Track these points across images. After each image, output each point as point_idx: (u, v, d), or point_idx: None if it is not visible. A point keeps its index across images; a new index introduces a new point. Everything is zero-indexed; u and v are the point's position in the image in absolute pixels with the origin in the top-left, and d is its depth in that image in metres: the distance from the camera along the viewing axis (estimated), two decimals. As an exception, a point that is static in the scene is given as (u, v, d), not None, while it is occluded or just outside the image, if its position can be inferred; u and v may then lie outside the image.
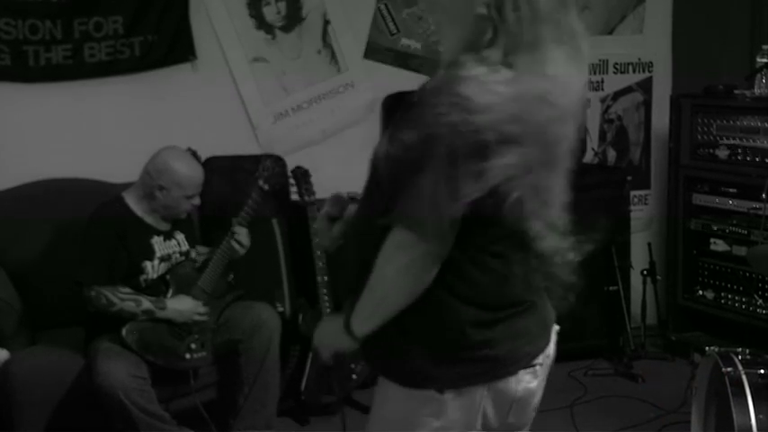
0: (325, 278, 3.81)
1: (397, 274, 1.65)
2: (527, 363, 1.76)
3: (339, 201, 1.94)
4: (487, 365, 1.71)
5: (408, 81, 4.31)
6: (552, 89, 1.62)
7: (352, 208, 1.91)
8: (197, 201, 3.49)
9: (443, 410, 1.71)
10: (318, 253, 3.80)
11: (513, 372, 1.74)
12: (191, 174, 3.43)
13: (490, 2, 1.63)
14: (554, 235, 1.73)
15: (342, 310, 1.79)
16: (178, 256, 3.48)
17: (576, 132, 1.70)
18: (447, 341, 1.70)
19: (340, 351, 1.81)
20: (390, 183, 1.65)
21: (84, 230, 3.34)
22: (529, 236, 1.72)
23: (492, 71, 1.59)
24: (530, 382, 1.78)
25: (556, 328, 1.88)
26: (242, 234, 3.47)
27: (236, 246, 3.46)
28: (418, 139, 1.58)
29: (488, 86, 1.57)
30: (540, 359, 1.79)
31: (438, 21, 1.80)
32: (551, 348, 1.85)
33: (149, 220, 3.44)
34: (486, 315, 1.71)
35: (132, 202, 3.43)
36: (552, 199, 1.73)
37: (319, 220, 1.96)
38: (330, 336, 1.83)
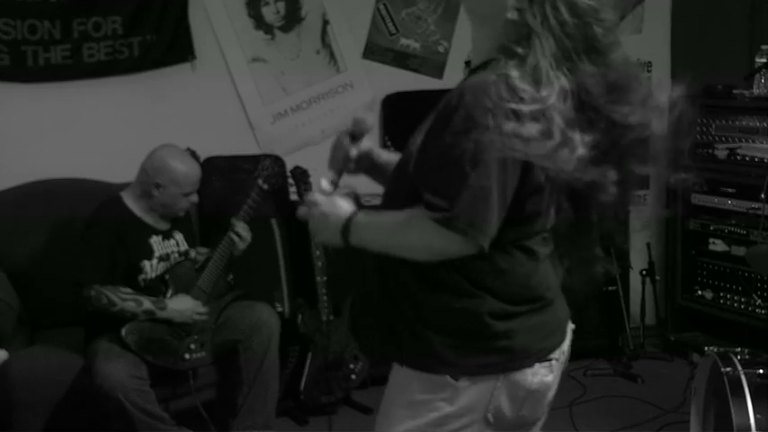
0: (325, 278, 3.81)
1: (422, 247, 1.68)
2: (543, 356, 1.78)
3: (360, 122, 1.92)
4: (505, 356, 1.73)
5: (407, 81, 4.31)
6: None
7: (371, 121, 1.92)
8: (195, 198, 3.49)
9: (456, 397, 1.73)
10: (317, 253, 3.80)
11: (529, 364, 1.76)
12: (187, 171, 3.43)
13: (524, 6, 1.65)
14: (580, 236, 1.81)
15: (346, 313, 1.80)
16: (177, 255, 3.48)
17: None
18: (468, 331, 1.73)
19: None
20: (431, 184, 1.66)
21: (82, 230, 3.34)
22: (555, 234, 1.79)
23: (526, 74, 1.61)
24: (545, 375, 1.79)
25: (571, 326, 1.91)
26: (241, 227, 3.47)
27: (236, 239, 3.46)
28: (466, 142, 1.59)
29: (526, 88, 1.59)
30: (555, 354, 1.81)
31: (470, 20, 1.83)
32: (566, 345, 1.87)
33: (148, 219, 3.44)
34: (507, 308, 1.73)
35: (130, 201, 3.43)
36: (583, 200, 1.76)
37: (340, 134, 1.95)
38: (324, 231, 1.83)
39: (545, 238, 1.81)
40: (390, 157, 1.97)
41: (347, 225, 1.78)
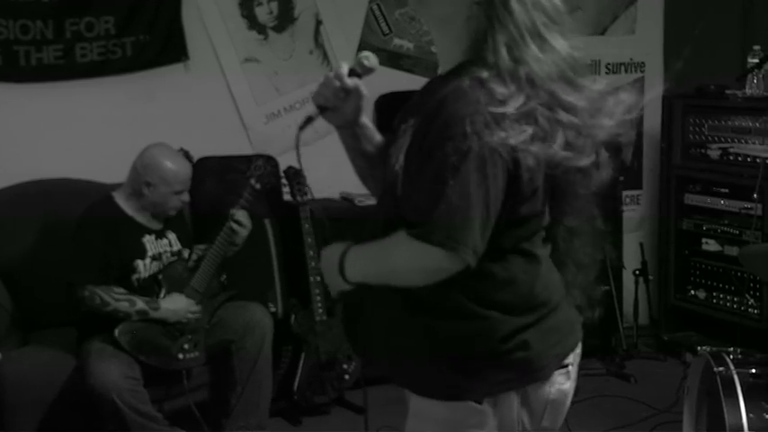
0: (318, 278, 3.81)
1: (409, 268, 1.64)
2: (558, 363, 1.74)
3: (366, 58, 1.82)
4: (521, 369, 1.69)
5: (401, 81, 4.30)
6: (564, 80, 1.62)
7: (376, 61, 1.82)
8: (185, 197, 3.49)
9: (486, 420, 1.69)
10: (311, 253, 3.80)
11: (548, 375, 1.72)
12: (177, 169, 3.42)
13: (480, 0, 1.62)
14: (578, 232, 1.77)
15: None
16: (169, 255, 3.48)
17: (604, 129, 1.69)
18: (480, 351, 1.68)
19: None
20: (415, 194, 1.62)
21: (74, 231, 3.34)
22: (553, 233, 1.75)
23: (499, 73, 1.58)
24: (562, 383, 1.76)
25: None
26: (242, 215, 3.46)
27: (237, 227, 3.44)
28: (443, 154, 1.55)
29: (500, 90, 1.56)
30: (570, 358, 1.77)
31: (429, 24, 1.78)
32: (579, 347, 1.83)
33: (140, 218, 3.44)
34: (516, 320, 1.68)
35: (122, 200, 3.43)
36: (574, 195, 1.74)
37: (338, 67, 1.84)
38: (327, 270, 1.78)
39: (544, 239, 1.77)
40: (371, 125, 1.89)
41: (341, 264, 1.73)
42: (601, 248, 1.82)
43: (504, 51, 1.59)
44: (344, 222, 4.08)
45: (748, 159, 4.27)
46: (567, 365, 1.76)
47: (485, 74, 1.59)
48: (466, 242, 1.56)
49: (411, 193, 1.63)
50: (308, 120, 1.81)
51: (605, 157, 1.71)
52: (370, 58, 1.81)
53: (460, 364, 1.68)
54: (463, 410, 1.69)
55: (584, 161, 1.65)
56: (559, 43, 1.63)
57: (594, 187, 1.72)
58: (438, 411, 1.71)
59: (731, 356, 2.84)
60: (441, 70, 1.75)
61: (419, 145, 1.62)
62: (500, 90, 1.56)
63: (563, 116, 1.60)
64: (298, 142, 1.85)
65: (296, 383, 3.80)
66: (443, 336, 1.68)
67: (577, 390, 4.47)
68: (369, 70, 1.81)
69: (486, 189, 1.56)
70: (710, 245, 4.50)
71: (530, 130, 1.56)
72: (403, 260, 1.63)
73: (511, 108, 1.55)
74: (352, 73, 1.81)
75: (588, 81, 1.67)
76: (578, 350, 1.82)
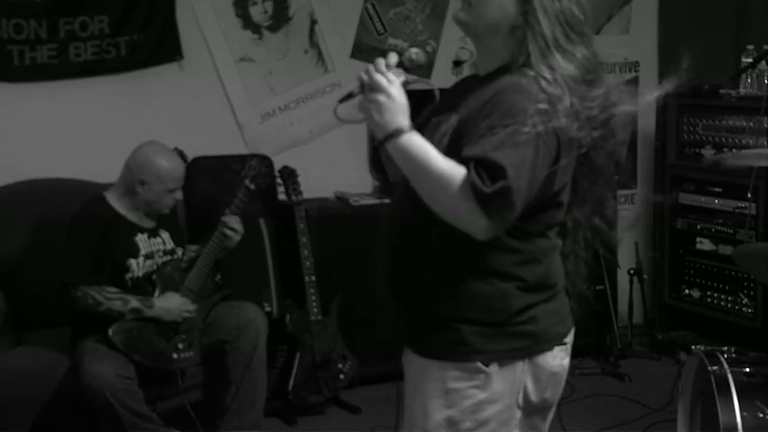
0: (313, 278, 3.81)
1: (448, 208, 1.69)
2: (559, 340, 1.89)
3: (420, 53, 1.86)
4: (529, 341, 1.82)
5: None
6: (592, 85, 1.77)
7: (422, 57, 1.85)
8: (179, 195, 3.49)
9: (489, 383, 1.80)
10: (306, 253, 3.80)
11: (550, 348, 1.86)
12: (170, 167, 3.42)
13: (527, 10, 1.76)
14: (587, 227, 1.91)
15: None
16: (162, 254, 3.47)
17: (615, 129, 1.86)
18: (495, 318, 1.79)
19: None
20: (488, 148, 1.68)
21: (66, 231, 3.33)
22: (569, 226, 1.89)
23: (543, 76, 1.72)
24: (563, 358, 1.91)
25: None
26: (234, 221, 3.47)
27: (230, 232, 3.45)
28: (507, 130, 1.65)
29: (551, 89, 1.70)
30: (569, 338, 1.93)
31: (473, 29, 1.87)
32: (573, 330, 1.96)
33: (132, 217, 3.43)
34: (530, 296, 1.82)
35: (114, 200, 3.42)
36: (591, 193, 1.89)
37: (391, 54, 1.83)
38: (385, 113, 1.74)
39: (558, 231, 1.90)
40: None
41: (401, 130, 1.72)
42: (601, 243, 1.94)
43: (540, 58, 1.74)
44: (339, 221, 4.10)
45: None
46: (565, 343, 1.91)
47: (532, 74, 1.73)
48: (506, 222, 1.68)
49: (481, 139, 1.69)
50: (349, 95, 1.81)
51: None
52: (419, 54, 1.85)
53: (473, 328, 1.79)
54: (469, 371, 1.80)
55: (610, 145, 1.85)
56: (580, 52, 1.78)
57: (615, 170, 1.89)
58: (443, 371, 1.81)
59: (725, 355, 2.85)
60: (481, 72, 1.87)
61: (472, 129, 1.72)
62: (551, 89, 1.70)
63: (588, 111, 1.75)
64: (336, 114, 1.87)
65: (291, 383, 3.80)
66: (463, 298, 1.79)
67: (572, 389, 4.51)
68: (417, 65, 1.84)
69: (535, 177, 1.68)
70: (705, 244, 4.51)
71: (576, 124, 1.71)
72: (448, 193, 1.67)
73: (563, 105, 1.70)
74: (400, 65, 1.82)
75: (602, 76, 1.82)
76: (572, 334, 1.96)
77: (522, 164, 1.64)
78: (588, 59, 1.78)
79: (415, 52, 1.84)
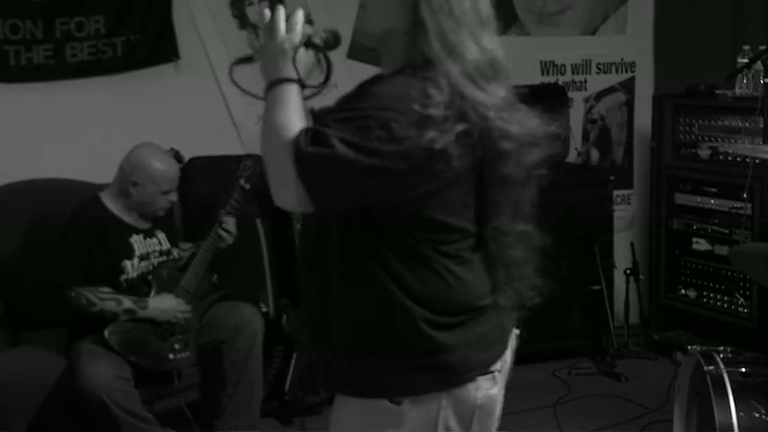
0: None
1: (270, 158, 1.68)
2: (483, 369, 1.73)
3: (335, 35, 1.88)
4: (442, 373, 1.68)
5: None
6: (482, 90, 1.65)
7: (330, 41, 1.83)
8: (173, 197, 3.48)
9: (402, 421, 1.68)
10: (302, 253, 3.79)
11: (471, 378, 1.71)
12: (164, 169, 3.42)
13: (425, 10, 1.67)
14: (510, 238, 1.75)
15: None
16: (158, 254, 3.47)
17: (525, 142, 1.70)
18: (402, 346, 1.68)
19: None
20: (336, 119, 1.65)
21: (61, 232, 3.32)
22: (485, 238, 1.73)
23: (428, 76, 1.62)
24: (489, 388, 1.74)
25: (515, 332, 1.86)
26: (229, 222, 3.47)
27: (224, 234, 3.45)
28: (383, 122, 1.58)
29: (431, 90, 1.60)
30: (497, 365, 1.76)
31: (377, 39, 1.81)
32: (509, 354, 1.82)
33: (127, 218, 3.43)
34: (440, 319, 1.68)
35: (109, 200, 3.42)
36: (502, 202, 1.73)
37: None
38: (268, 54, 1.81)
39: (473, 246, 1.74)
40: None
41: (282, 79, 1.72)
42: (532, 246, 1.78)
43: (418, 55, 1.66)
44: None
45: (738, 159, 4.28)
46: (492, 371, 1.75)
47: (421, 75, 1.63)
48: (323, 198, 1.61)
49: (336, 114, 1.67)
50: (249, 58, 1.85)
51: (542, 133, 1.71)
52: (331, 36, 1.86)
53: (379, 361, 1.68)
54: (380, 410, 1.68)
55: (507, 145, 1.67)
56: (470, 52, 1.66)
57: (525, 169, 1.72)
58: (355, 410, 1.72)
59: (721, 355, 2.85)
60: (387, 70, 1.79)
61: (360, 98, 1.67)
62: (433, 92, 1.60)
63: (474, 115, 1.63)
64: (231, 77, 1.96)
65: (287, 383, 3.80)
66: (365, 329, 1.69)
67: (569, 389, 4.51)
68: (329, 45, 1.84)
69: (375, 167, 1.57)
70: (701, 244, 4.51)
71: (460, 127, 1.60)
72: (274, 143, 1.65)
73: (437, 111, 1.59)
74: (308, 43, 1.83)
75: (494, 87, 1.68)
76: (507, 357, 1.81)
77: (356, 145, 1.56)
78: (478, 62, 1.66)
79: (329, 32, 1.85)
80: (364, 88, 1.73)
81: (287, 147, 1.61)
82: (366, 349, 1.69)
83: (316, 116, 1.75)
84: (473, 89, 1.63)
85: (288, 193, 1.64)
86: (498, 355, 1.77)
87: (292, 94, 1.73)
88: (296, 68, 1.75)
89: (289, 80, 1.73)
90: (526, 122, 1.70)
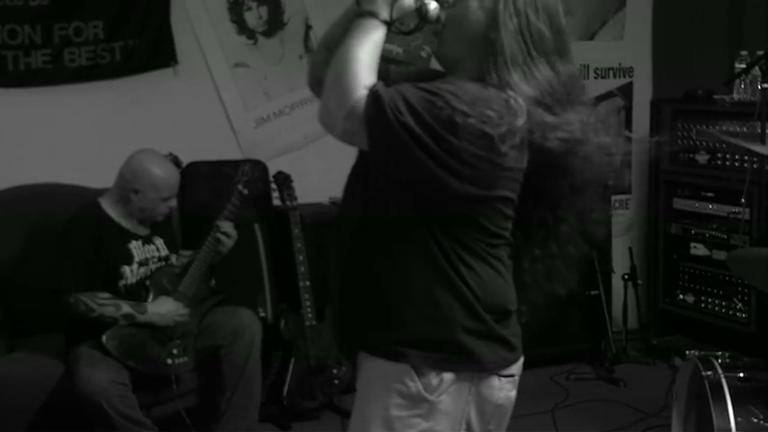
0: (308, 283, 3.81)
1: (335, 79, 1.74)
2: (505, 366, 1.80)
3: None
4: (473, 362, 1.75)
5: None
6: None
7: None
8: (172, 202, 3.48)
9: (432, 412, 1.74)
10: (300, 258, 3.80)
11: (496, 373, 1.78)
12: (165, 176, 3.42)
13: (504, 22, 1.72)
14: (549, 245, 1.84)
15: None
16: (156, 260, 3.47)
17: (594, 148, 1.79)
18: (442, 330, 1.74)
19: None
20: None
21: (60, 237, 3.32)
22: (521, 244, 1.82)
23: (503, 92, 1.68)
24: (510, 390, 1.83)
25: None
26: (228, 226, 3.47)
27: (223, 238, 3.45)
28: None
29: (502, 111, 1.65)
30: (514, 369, 1.83)
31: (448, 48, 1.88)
32: (521, 361, 1.88)
33: (126, 224, 3.43)
34: (480, 312, 1.75)
35: (108, 206, 3.42)
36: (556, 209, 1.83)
37: None
38: None
39: (508, 250, 1.83)
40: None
41: (376, 16, 1.79)
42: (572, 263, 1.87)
43: (498, 74, 1.71)
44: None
45: (736, 164, 4.29)
46: (513, 375, 1.83)
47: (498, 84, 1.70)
48: (376, 148, 1.68)
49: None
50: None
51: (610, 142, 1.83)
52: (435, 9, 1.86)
53: (423, 334, 1.74)
54: (412, 399, 1.74)
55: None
56: (541, 72, 1.73)
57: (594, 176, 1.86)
58: (387, 397, 1.76)
59: (719, 360, 2.86)
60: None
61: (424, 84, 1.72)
62: (511, 103, 1.67)
63: (541, 137, 1.70)
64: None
65: (285, 388, 3.80)
66: (408, 313, 1.74)
67: (567, 394, 4.51)
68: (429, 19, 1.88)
69: (429, 146, 1.62)
70: (699, 249, 4.52)
71: (521, 144, 1.68)
72: (343, 70, 1.73)
73: (511, 121, 1.65)
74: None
75: (566, 110, 1.74)
76: (520, 364, 1.87)
77: (415, 113, 1.62)
78: (550, 82, 1.73)
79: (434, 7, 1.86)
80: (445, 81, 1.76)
81: (359, 87, 1.68)
82: (407, 315, 1.74)
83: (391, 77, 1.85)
84: (543, 113, 1.69)
85: (337, 121, 1.69)
86: (518, 359, 1.84)
87: (378, 34, 1.80)
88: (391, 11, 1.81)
89: (382, 20, 1.80)
90: (604, 146, 1.81)
